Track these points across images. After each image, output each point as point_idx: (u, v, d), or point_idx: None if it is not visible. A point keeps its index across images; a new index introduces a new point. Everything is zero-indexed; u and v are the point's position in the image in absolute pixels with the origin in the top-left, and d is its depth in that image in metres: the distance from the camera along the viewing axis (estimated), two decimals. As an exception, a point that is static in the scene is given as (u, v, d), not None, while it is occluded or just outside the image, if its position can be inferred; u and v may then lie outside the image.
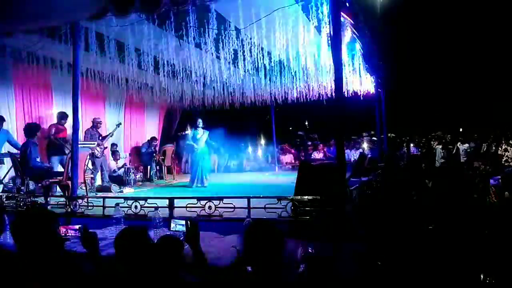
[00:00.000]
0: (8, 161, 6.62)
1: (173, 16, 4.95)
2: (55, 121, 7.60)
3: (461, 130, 19.24)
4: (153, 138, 10.67)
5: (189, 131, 8.17)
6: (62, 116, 7.38)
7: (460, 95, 23.35)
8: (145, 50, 6.49)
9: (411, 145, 14.86)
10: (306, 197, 3.96)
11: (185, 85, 9.11)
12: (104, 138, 8.40)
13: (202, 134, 8.17)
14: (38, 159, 6.10)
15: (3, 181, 6.51)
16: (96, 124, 8.33)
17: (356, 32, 6.13)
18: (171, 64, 7.21)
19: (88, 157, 7.08)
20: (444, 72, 23.21)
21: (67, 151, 6.73)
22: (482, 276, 3.12)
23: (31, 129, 6.27)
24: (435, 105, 23.83)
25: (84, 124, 8.45)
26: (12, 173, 6.53)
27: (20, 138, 7.06)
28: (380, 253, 3.17)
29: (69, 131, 6.83)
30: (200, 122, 8.19)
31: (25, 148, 6.02)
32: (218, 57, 6.63)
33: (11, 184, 6.41)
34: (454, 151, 13.00)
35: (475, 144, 13.99)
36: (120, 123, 9.35)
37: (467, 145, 13.65)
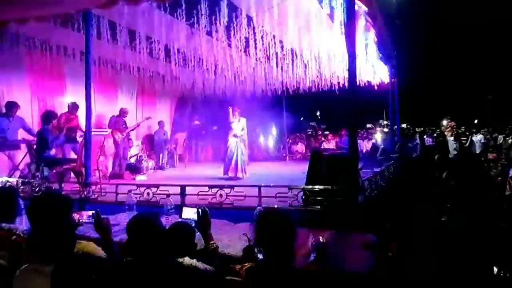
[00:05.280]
0: (23, 148, 6.74)
1: (185, 3, 4.91)
2: (67, 109, 7.70)
3: (476, 121, 18.85)
4: (160, 122, 10.71)
5: (234, 118, 7.53)
6: (73, 107, 7.48)
7: (477, 87, 22.80)
8: (156, 38, 6.47)
9: (424, 136, 14.64)
10: (317, 186, 3.93)
11: (196, 73, 9.08)
12: (129, 128, 8.56)
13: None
14: (53, 151, 6.20)
15: (19, 167, 6.63)
16: (122, 114, 8.59)
17: (370, 20, 6.00)
18: (182, 52, 7.19)
19: (102, 143, 7.15)
20: (461, 62, 22.64)
21: (79, 139, 6.82)
22: (496, 269, 3.06)
23: (47, 116, 6.38)
24: (450, 95, 23.36)
25: (97, 112, 8.54)
26: (27, 159, 6.65)
27: (35, 126, 7.17)
28: (392, 243, 3.13)
29: (81, 119, 6.91)
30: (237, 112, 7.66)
31: (41, 135, 6.11)
32: (229, 45, 6.58)
33: (27, 170, 6.53)
34: (468, 143, 12.75)
35: (490, 136, 13.71)
36: (150, 117, 9.47)
37: (481, 136, 13.37)
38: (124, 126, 8.46)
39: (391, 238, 3.24)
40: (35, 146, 6.31)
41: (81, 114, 7.14)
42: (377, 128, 13.16)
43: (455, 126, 13.04)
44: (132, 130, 8.76)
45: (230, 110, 7.66)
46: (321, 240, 2.60)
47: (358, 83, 6.57)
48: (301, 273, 1.92)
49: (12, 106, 6.51)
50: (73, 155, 6.97)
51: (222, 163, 7.91)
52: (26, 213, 2.11)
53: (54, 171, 6.24)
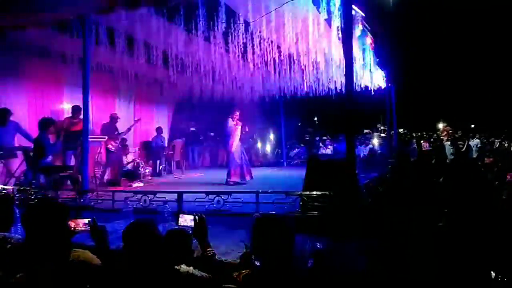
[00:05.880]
0: (20, 155, 6.68)
1: (183, 9, 4.93)
2: (66, 115, 7.66)
3: (473, 126, 18.93)
4: (158, 128, 10.66)
5: (230, 121, 7.49)
6: (76, 110, 7.40)
7: (474, 91, 22.91)
8: (154, 44, 6.47)
9: (421, 141, 14.68)
10: (314, 192, 3.92)
11: (194, 80, 9.08)
12: (121, 133, 8.45)
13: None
14: (50, 158, 6.15)
15: (15, 175, 6.57)
16: (114, 120, 8.43)
17: (367, 26, 6.04)
18: (180, 58, 7.19)
19: (99, 150, 7.12)
20: (458, 67, 22.75)
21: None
22: (493, 274, 3.05)
23: (45, 123, 6.31)
24: (447, 100, 23.46)
25: (95, 118, 8.50)
26: (23, 166, 6.59)
27: (32, 132, 7.12)
28: (390, 249, 3.12)
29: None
30: (237, 113, 7.64)
31: (39, 142, 6.06)
32: (227, 51, 6.59)
33: (23, 178, 6.47)
34: (465, 147, 12.78)
35: (487, 140, 13.78)
36: (139, 119, 9.45)
37: (478, 141, 13.43)
38: (117, 133, 8.33)
39: (389, 244, 3.22)
40: (31, 153, 6.26)
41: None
42: (374, 133, 13.19)
43: (450, 131, 13.08)
44: (124, 135, 8.63)
45: (237, 114, 7.61)
46: (319, 247, 2.59)
47: (355, 88, 6.61)
48: (299, 280, 1.90)
49: (4, 113, 6.39)
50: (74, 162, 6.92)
51: (220, 169, 7.89)
52: (21, 221, 2.09)
53: (51, 178, 6.20)
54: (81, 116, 7.24)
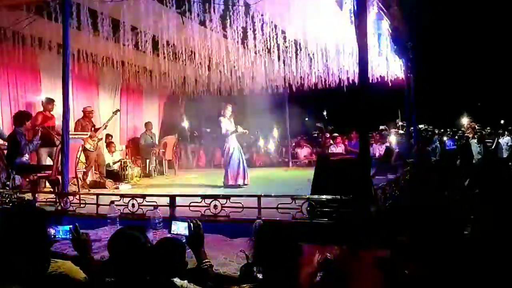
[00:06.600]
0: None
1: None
2: (41, 107, 7.66)
3: (502, 121, 18.86)
4: (148, 124, 10.64)
5: (224, 120, 7.46)
6: (48, 103, 7.37)
7: (504, 82, 22.78)
8: (143, 29, 6.47)
9: (445, 138, 14.67)
10: (324, 196, 3.93)
11: (188, 69, 9.09)
12: (98, 129, 8.40)
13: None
14: (26, 157, 6.16)
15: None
16: (87, 114, 8.27)
17: (383, 8, 6.03)
18: (172, 44, 7.19)
19: (80, 149, 7.13)
20: (486, 55, 22.61)
21: (57, 142, 6.78)
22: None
23: (20, 117, 6.32)
24: (474, 93, 23.36)
25: (76, 112, 8.51)
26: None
27: (5, 128, 7.15)
28: (408, 261, 3.13)
29: (58, 119, 6.88)
30: (230, 109, 7.63)
31: (14, 139, 6.08)
32: (225, 37, 6.59)
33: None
34: (494, 145, 12.76)
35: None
36: (118, 110, 9.33)
37: (508, 138, 13.40)
38: (93, 129, 8.19)
39: (407, 255, 3.23)
40: (5, 151, 6.28)
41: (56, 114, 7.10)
42: (391, 130, 13.19)
43: (476, 127, 13.05)
44: (101, 131, 8.51)
45: (230, 108, 7.60)
46: (329, 257, 2.59)
47: (369, 79, 6.61)
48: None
49: None
50: (49, 161, 6.93)
51: (217, 169, 7.91)
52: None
53: (27, 179, 6.22)
54: (54, 111, 7.25)
